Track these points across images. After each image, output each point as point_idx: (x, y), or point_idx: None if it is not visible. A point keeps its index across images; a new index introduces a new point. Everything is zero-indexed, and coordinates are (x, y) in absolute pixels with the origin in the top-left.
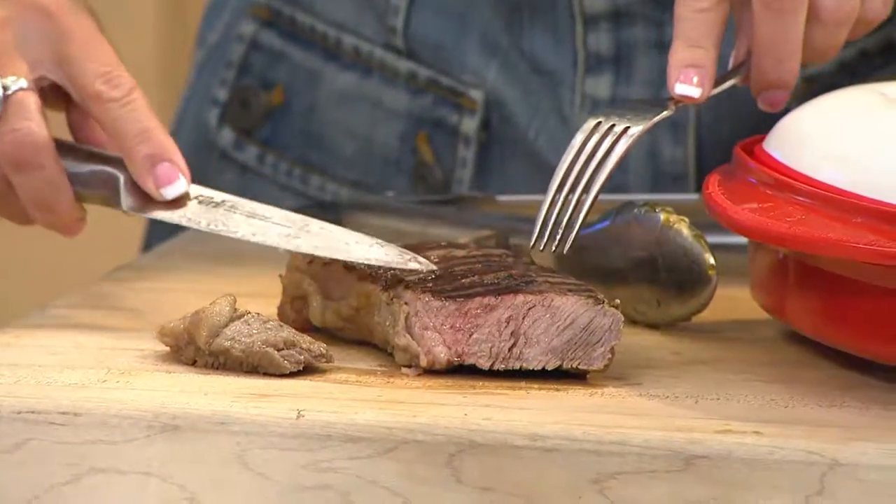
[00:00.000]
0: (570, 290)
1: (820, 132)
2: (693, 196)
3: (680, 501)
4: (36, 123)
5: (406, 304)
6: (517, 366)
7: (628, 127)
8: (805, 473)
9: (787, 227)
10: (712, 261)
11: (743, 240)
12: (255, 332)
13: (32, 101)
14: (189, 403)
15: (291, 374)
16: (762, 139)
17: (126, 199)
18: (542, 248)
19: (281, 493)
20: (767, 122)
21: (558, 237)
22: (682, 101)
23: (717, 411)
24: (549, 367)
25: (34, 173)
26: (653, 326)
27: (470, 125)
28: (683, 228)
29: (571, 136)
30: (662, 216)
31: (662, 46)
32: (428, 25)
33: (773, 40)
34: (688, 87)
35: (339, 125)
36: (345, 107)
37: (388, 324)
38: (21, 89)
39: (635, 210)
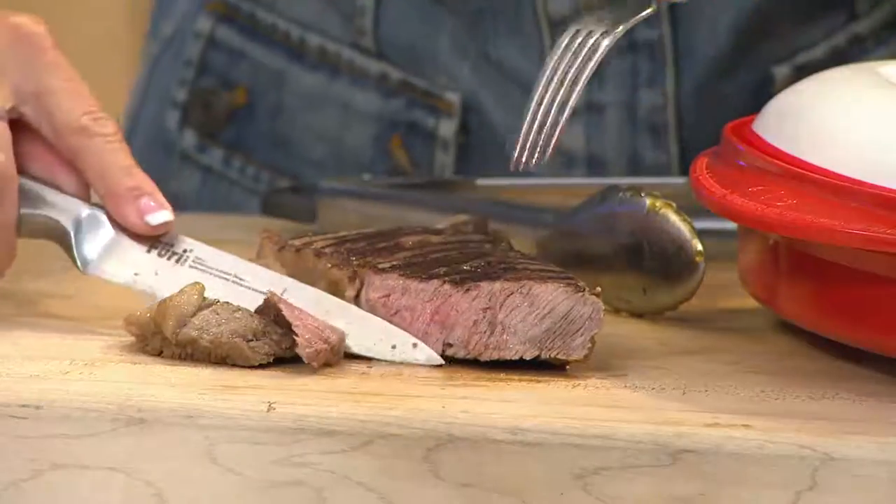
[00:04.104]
0: (549, 278)
1: (813, 113)
2: (680, 180)
3: (666, 497)
4: (5, 157)
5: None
6: (494, 356)
7: (606, 32)
8: (796, 468)
9: (778, 213)
10: (700, 247)
11: (732, 225)
12: (223, 321)
13: (5, 132)
14: (155, 396)
15: (262, 366)
16: (752, 120)
17: (80, 255)
18: (522, 164)
19: (251, 489)
20: (749, 115)
21: (537, 151)
22: None
23: (705, 403)
24: (527, 357)
25: None
26: (638, 315)
27: (448, 129)
28: (670, 214)
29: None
30: (648, 201)
31: (634, 47)
32: (398, 26)
33: None
34: None
35: (308, 127)
36: (312, 109)
37: None
38: None
39: (620, 195)
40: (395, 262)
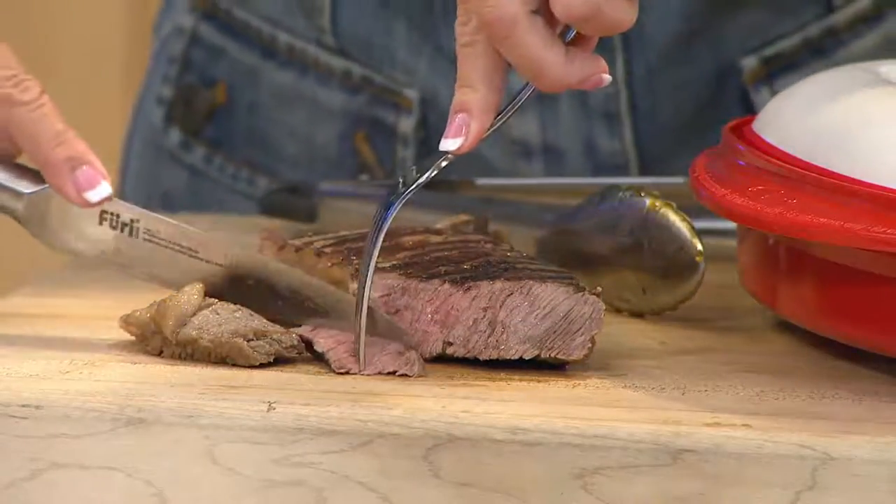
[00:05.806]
0: (549, 278)
1: (813, 113)
2: (679, 179)
3: (666, 497)
4: None
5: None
6: (494, 355)
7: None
8: (796, 468)
9: (778, 213)
10: (700, 247)
11: (731, 225)
12: (223, 321)
13: None
14: (155, 396)
15: (262, 366)
16: (751, 120)
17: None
18: None
19: (251, 489)
20: (710, 104)
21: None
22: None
23: (705, 403)
24: (527, 357)
25: None
26: (638, 315)
27: (407, 125)
28: (670, 213)
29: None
30: (648, 201)
31: None
32: (356, 22)
33: (514, 63)
34: (449, 141)
35: (281, 125)
36: (285, 106)
37: None
38: None
39: (620, 194)
40: (395, 262)
